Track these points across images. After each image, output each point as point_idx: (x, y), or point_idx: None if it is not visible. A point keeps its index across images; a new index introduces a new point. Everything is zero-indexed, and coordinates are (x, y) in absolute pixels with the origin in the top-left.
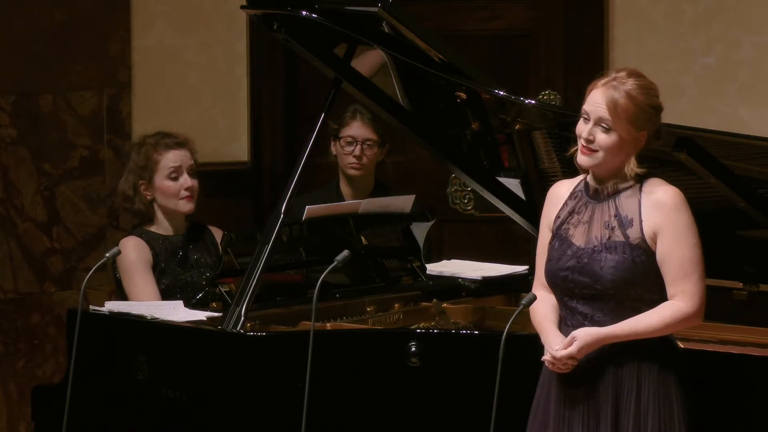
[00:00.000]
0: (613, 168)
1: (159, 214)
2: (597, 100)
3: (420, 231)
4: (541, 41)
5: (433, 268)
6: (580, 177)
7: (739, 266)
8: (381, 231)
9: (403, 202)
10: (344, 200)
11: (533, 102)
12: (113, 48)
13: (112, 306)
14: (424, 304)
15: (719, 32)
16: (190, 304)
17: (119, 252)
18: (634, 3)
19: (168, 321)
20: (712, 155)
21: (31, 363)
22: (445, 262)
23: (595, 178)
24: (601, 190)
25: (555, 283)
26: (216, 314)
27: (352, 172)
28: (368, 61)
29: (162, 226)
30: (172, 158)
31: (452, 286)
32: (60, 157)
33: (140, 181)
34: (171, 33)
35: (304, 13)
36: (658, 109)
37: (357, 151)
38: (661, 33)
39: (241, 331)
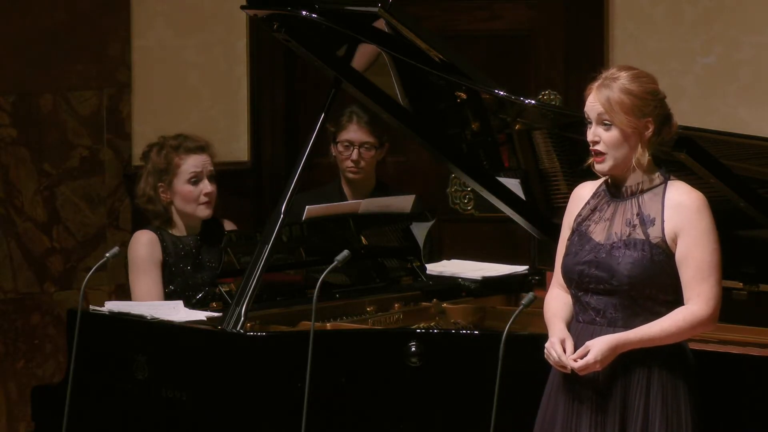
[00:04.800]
0: (626, 164)
1: (176, 217)
2: (592, 100)
3: (420, 231)
4: (541, 41)
5: (433, 268)
6: (603, 179)
7: (739, 266)
8: (381, 231)
9: (403, 202)
10: (346, 199)
11: (533, 102)
12: (113, 48)
13: (112, 306)
14: (424, 304)
15: (719, 32)
16: (190, 304)
17: (119, 252)
18: (634, 3)
19: (168, 321)
20: (712, 155)
21: (31, 363)
22: (445, 262)
23: (614, 178)
24: (624, 189)
25: (571, 278)
26: (216, 314)
27: (351, 176)
28: (363, 55)
29: (178, 228)
30: (192, 163)
31: (452, 286)
32: (60, 157)
33: (159, 184)
34: (171, 33)
35: (304, 13)
36: (655, 93)
37: (354, 156)
38: (661, 33)
39: (241, 331)
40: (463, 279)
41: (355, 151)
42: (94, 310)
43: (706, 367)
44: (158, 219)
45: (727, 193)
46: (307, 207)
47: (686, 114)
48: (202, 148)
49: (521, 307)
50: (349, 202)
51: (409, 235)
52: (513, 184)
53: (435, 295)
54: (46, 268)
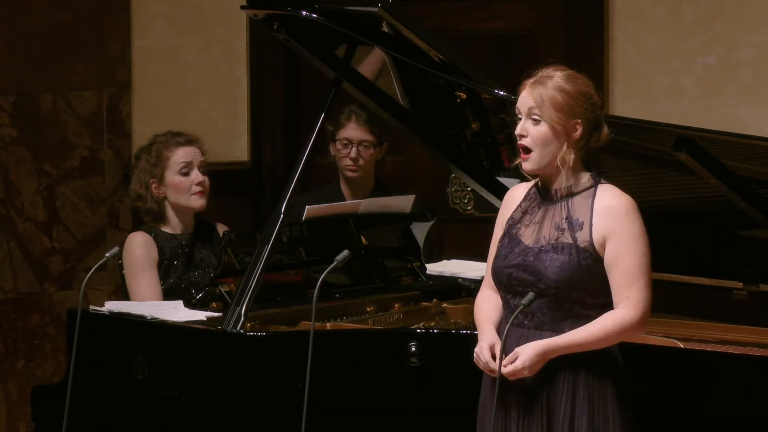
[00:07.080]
0: (552, 164)
1: (170, 213)
2: (524, 95)
3: (420, 231)
4: (541, 41)
5: (433, 268)
6: (534, 180)
7: (739, 266)
8: (381, 231)
9: (403, 202)
10: (345, 200)
11: None
12: (113, 48)
13: (112, 306)
14: (424, 304)
15: (719, 32)
16: (190, 304)
17: (119, 252)
18: (634, 3)
19: (168, 321)
20: (712, 155)
21: (31, 363)
22: (445, 262)
23: (543, 180)
24: (555, 192)
25: (500, 280)
26: (216, 314)
27: (350, 174)
28: (372, 63)
29: (172, 225)
30: (182, 154)
31: (452, 286)
32: (60, 157)
33: (151, 180)
34: (171, 33)
35: (304, 13)
36: (587, 96)
37: (353, 154)
38: (661, 33)
39: (241, 331)
40: (463, 279)
41: (354, 149)
42: (94, 310)
43: (705, 367)
44: (150, 215)
45: (727, 193)
46: (307, 207)
47: (686, 114)
48: (191, 141)
49: (521, 306)
50: (349, 202)
51: (409, 235)
52: (513, 184)
53: (435, 295)
54: (46, 268)
